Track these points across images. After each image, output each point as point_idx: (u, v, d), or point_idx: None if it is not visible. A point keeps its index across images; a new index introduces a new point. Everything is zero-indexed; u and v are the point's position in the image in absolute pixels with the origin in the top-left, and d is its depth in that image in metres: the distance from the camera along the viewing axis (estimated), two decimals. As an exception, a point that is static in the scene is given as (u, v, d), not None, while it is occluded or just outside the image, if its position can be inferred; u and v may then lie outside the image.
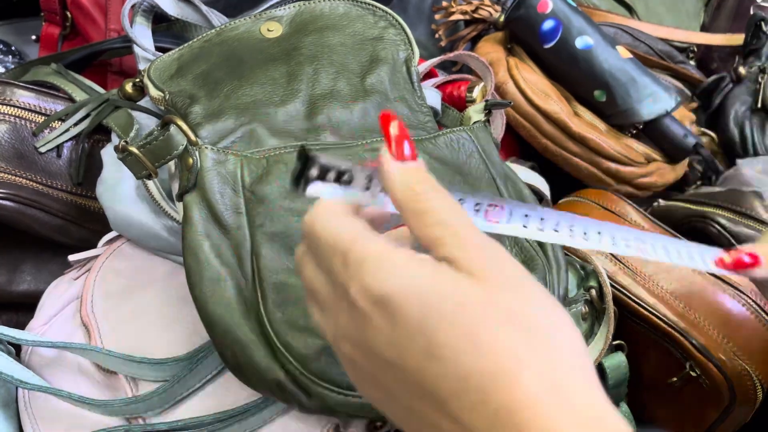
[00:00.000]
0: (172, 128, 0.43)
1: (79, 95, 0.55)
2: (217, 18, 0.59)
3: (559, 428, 0.21)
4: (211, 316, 0.38)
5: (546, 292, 0.24)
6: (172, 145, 0.43)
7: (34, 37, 0.84)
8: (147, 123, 0.52)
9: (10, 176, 0.49)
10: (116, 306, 0.46)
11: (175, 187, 0.44)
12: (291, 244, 0.40)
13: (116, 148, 0.44)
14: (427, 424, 0.23)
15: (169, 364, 0.42)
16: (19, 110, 0.52)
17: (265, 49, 0.52)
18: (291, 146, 0.44)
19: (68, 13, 0.75)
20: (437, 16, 0.76)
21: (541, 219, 0.28)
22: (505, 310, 0.23)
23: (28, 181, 0.50)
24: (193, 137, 0.43)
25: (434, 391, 0.22)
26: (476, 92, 0.62)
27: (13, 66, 0.80)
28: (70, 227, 0.51)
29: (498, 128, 0.61)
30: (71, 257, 0.48)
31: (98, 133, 0.55)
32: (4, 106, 0.51)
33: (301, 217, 0.41)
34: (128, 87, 0.53)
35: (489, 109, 0.51)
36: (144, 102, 0.53)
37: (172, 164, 0.45)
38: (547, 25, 0.66)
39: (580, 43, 0.65)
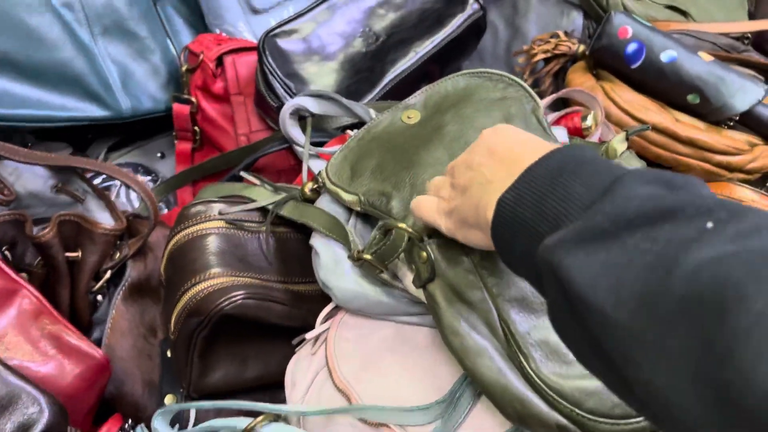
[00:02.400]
0: (395, 232, 0.49)
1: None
2: (359, 107, 0.67)
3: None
4: (486, 382, 0.45)
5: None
6: (397, 245, 0.49)
7: (159, 154, 0.93)
8: (334, 208, 0.59)
9: (241, 279, 0.57)
10: (360, 369, 0.53)
11: (404, 271, 0.51)
12: (531, 304, 0.46)
13: (351, 257, 0.51)
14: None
15: (434, 407, 0.49)
16: (224, 222, 0.60)
17: (416, 134, 0.57)
18: None
19: (196, 128, 0.85)
20: (520, 60, 0.84)
21: None
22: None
23: (253, 280, 0.57)
24: (418, 235, 0.48)
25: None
26: (589, 120, 0.70)
27: (153, 186, 0.89)
28: (292, 311, 0.58)
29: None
30: (308, 335, 0.55)
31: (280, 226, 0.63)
32: (213, 222, 0.60)
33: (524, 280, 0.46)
34: (307, 190, 0.61)
35: (629, 137, 0.58)
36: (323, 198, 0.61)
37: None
38: (631, 48, 0.74)
39: (665, 57, 0.73)
